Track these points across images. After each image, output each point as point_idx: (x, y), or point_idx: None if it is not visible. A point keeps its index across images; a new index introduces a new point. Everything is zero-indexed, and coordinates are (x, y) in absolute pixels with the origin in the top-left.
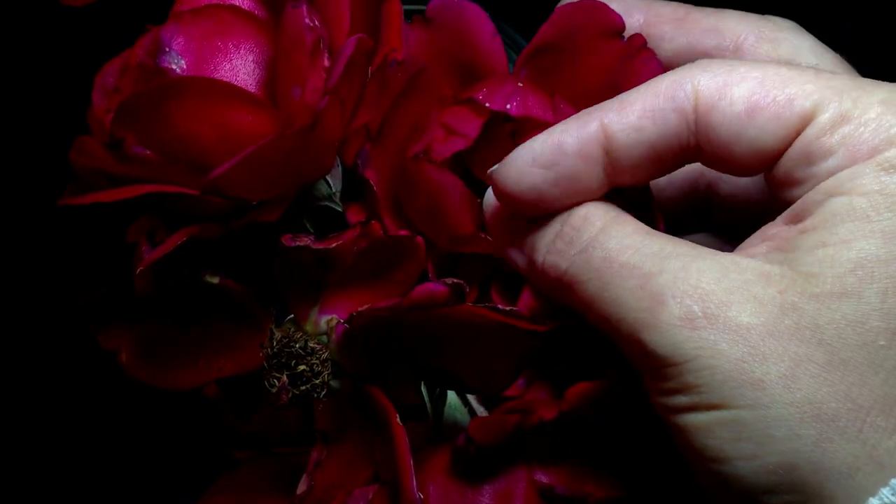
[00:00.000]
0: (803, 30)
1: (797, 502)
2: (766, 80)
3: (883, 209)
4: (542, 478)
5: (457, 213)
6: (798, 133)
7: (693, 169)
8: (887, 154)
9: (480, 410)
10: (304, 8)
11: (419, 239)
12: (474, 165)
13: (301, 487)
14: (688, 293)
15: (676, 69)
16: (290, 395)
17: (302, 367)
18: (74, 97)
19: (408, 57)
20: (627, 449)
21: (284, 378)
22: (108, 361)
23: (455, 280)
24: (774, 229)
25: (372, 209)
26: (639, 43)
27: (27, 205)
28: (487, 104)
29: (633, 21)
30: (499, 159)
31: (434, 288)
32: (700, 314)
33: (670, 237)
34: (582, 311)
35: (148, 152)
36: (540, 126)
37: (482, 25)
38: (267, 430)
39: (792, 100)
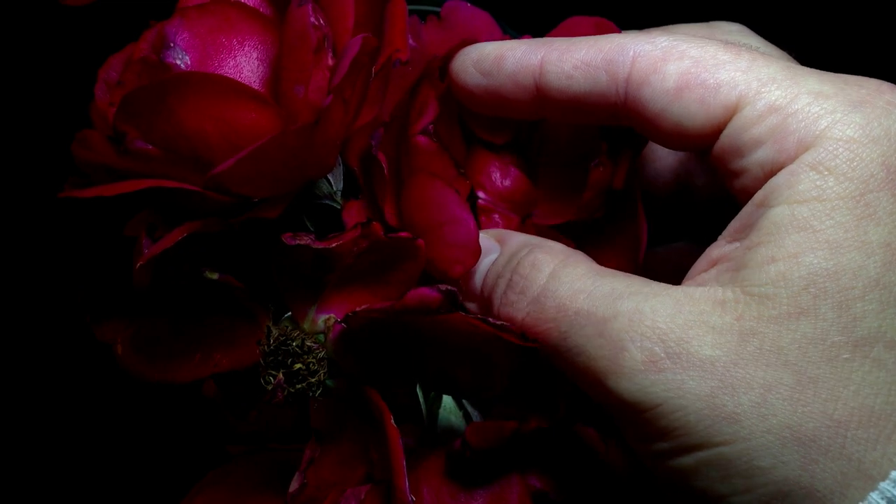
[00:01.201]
0: (749, 31)
1: None
2: (701, 62)
3: (824, 217)
4: (536, 483)
5: (450, 230)
6: (725, 121)
7: (679, 164)
8: (818, 153)
9: (475, 414)
10: (310, 6)
11: (420, 241)
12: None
13: (293, 485)
14: (646, 335)
15: (629, 33)
16: (286, 392)
17: (298, 366)
18: (77, 91)
19: (423, 49)
20: (620, 456)
21: (280, 376)
22: (105, 355)
23: (449, 287)
24: (718, 250)
25: (373, 200)
26: None
27: (28, 198)
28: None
29: None
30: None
31: (427, 293)
32: (662, 355)
33: (623, 274)
34: (550, 360)
35: (150, 147)
36: None
37: (490, 30)
38: (263, 427)
39: (719, 86)
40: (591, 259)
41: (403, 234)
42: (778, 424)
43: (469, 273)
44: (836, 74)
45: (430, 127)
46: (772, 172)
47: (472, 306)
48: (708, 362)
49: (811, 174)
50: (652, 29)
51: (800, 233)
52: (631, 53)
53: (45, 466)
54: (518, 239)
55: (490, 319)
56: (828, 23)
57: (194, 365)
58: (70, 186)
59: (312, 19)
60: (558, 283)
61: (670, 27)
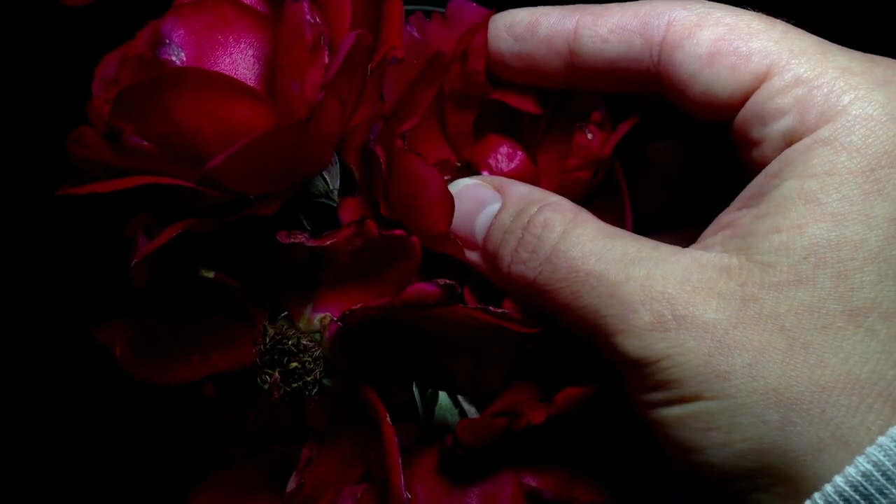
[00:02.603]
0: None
1: (768, 485)
2: (736, 29)
3: (832, 191)
4: (530, 481)
5: (433, 211)
6: (753, 89)
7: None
8: (835, 127)
9: (471, 411)
10: (305, 4)
11: (414, 239)
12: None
13: (291, 485)
14: (656, 299)
15: (664, 0)
16: (282, 392)
17: (294, 365)
18: (76, 89)
19: (425, 44)
20: (615, 453)
21: (276, 375)
22: (104, 356)
23: (447, 281)
24: (728, 216)
25: (370, 196)
26: None
27: (26, 196)
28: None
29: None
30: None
31: (425, 288)
32: (670, 317)
33: (632, 236)
34: (556, 316)
35: (145, 143)
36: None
37: None
38: (262, 427)
39: (751, 54)
40: (596, 218)
41: (398, 231)
42: (764, 386)
43: (466, 221)
44: (867, 54)
45: (407, 133)
46: (790, 143)
47: (472, 255)
48: (710, 325)
49: (825, 149)
50: None
51: (806, 205)
52: (666, 18)
53: (46, 468)
54: (520, 190)
55: (491, 308)
56: (837, 23)
57: (192, 366)
58: (67, 184)
59: (308, 17)
60: (569, 244)
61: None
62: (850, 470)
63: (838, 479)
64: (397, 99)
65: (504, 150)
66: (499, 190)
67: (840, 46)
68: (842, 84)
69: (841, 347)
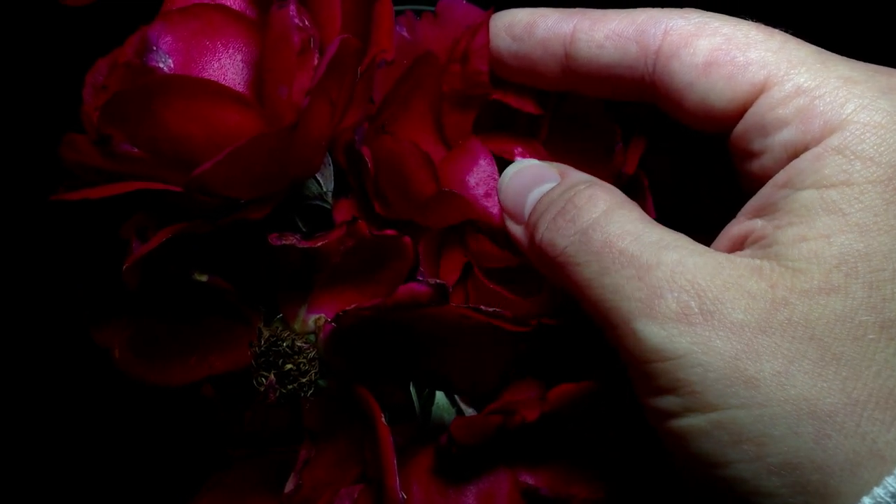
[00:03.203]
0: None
1: (800, 502)
2: (733, 39)
3: (853, 201)
4: (527, 479)
5: (417, 176)
6: (751, 100)
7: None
8: (844, 136)
9: (468, 411)
10: (292, 8)
11: (406, 238)
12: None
13: (289, 486)
14: (685, 288)
15: (660, 8)
16: (278, 393)
17: (289, 366)
18: (76, 91)
19: (415, 43)
20: (611, 450)
21: (272, 376)
22: (102, 358)
23: (438, 280)
24: (739, 227)
25: (362, 195)
26: None
27: (23, 201)
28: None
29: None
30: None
31: (417, 288)
32: (696, 310)
33: (671, 230)
34: (575, 294)
35: (135, 150)
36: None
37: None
38: (259, 429)
39: (749, 64)
40: (642, 209)
41: (389, 231)
42: (796, 396)
43: (520, 195)
44: (868, 64)
45: (390, 125)
46: (795, 154)
47: (516, 230)
48: (738, 325)
49: (837, 158)
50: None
51: (829, 215)
52: (663, 26)
53: (46, 470)
54: (579, 175)
55: (482, 307)
56: (840, 24)
57: (191, 367)
58: (62, 190)
59: (296, 21)
60: (610, 220)
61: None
62: (890, 480)
63: (878, 491)
64: (383, 97)
65: (518, 150)
66: (560, 173)
67: (840, 56)
68: (844, 93)
69: (874, 360)
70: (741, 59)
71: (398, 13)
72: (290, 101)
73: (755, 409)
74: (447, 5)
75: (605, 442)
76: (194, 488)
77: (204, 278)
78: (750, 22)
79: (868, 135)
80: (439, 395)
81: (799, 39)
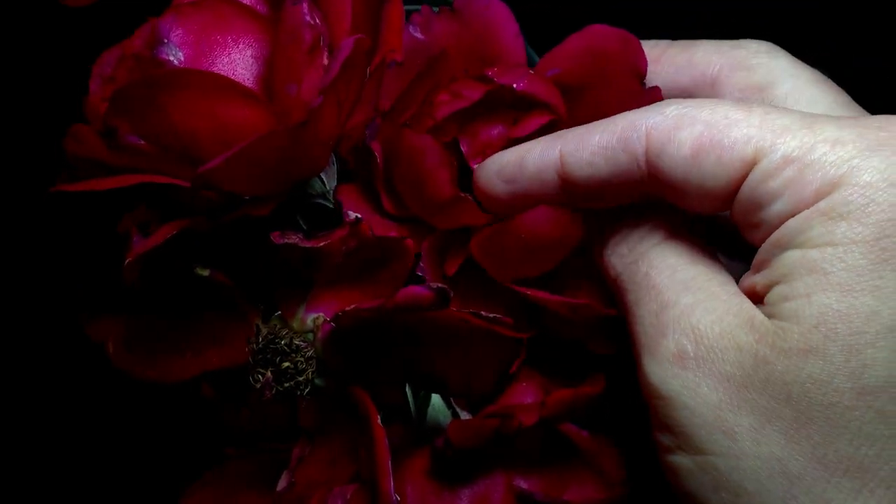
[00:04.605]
0: (779, 50)
1: None
2: (713, 124)
3: (835, 261)
4: (521, 483)
5: (435, 177)
6: (743, 177)
7: None
8: (832, 199)
9: (464, 414)
10: (305, 5)
11: (408, 241)
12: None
13: (281, 484)
14: (686, 332)
15: (637, 110)
16: (274, 391)
17: (286, 364)
18: (76, 87)
19: (430, 42)
20: (607, 456)
21: (269, 374)
22: (100, 355)
23: (440, 285)
24: (748, 280)
25: (370, 186)
26: (655, 97)
27: (22, 192)
28: (496, 79)
29: None
30: (492, 145)
31: (418, 291)
32: (692, 354)
33: (715, 265)
34: (624, 316)
35: (141, 142)
36: (542, 108)
37: (507, 24)
38: (255, 426)
39: (734, 143)
40: (711, 249)
41: (392, 233)
42: (768, 454)
43: None
44: (857, 118)
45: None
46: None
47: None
48: (725, 376)
49: (822, 220)
50: (665, 101)
51: (811, 275)
52: (643, 128)
53: (40, 467)
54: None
55: (482, 313)
56: (851, 31)
57: (186, 363)
58: (62, 181)
59: (308, 18)
60: (658, 253)
61: (695, 44)
62: None
63: None
64: (399, 95)
65: None
66: None
67: (827, 116)
68: (833, 157)
69: (847, 427)
70: (726, 140)
71: (413, 11)
72: (299, 98)
73: (732, 459)
74: (467, 1)
75: (601, 447)
76: (187, 485)
77: (206, 272)
78: (728, 102)
79: (855, 196)
80: (435, 398)
81: (781, 108)
